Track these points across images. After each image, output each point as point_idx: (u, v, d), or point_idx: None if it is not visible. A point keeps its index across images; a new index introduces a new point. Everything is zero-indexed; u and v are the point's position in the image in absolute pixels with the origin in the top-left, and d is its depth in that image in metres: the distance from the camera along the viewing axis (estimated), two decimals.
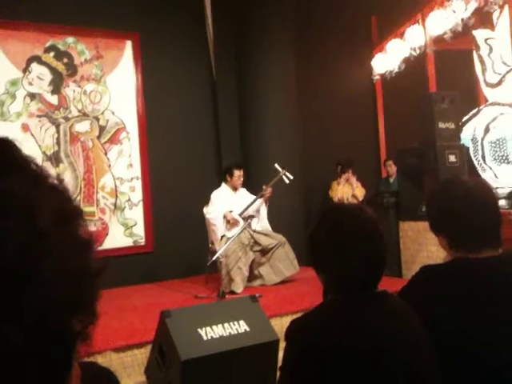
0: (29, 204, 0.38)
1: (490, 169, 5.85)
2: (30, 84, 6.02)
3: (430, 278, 1.55)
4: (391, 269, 5.44)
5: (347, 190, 7.35)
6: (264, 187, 5.54)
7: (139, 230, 6.48)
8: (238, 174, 5.57)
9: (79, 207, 0.44)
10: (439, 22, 6.59)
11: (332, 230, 1.41)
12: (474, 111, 6.30)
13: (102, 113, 6.40)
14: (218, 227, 5.35)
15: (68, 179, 6.04)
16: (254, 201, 5.53)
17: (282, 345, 3.13)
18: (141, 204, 6.51)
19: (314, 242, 1.46)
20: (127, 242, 6.36)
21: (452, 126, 5.66)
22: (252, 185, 5.82)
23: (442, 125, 5.61)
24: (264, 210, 5.63)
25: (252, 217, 5.46)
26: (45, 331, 0.37)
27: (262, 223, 5.63)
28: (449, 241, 1.55)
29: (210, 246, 5.55)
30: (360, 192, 7.22)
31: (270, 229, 5.66)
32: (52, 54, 6.15)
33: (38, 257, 0.37)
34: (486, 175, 5.81)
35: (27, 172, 0.41)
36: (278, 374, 1.40)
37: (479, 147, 5.93)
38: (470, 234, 1.51)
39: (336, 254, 1.37)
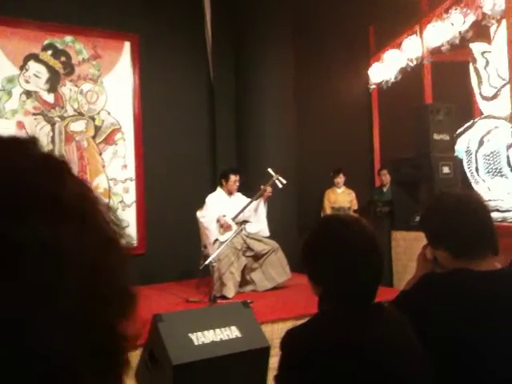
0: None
1: (483, 181, 5.89)
2: (27, 82, 5.99)
3: (431, 287, 1.56)
4: (382, 278, 5.45)
5: (345, 197, 7.43)
6: (262, 187, 5.54)
7: (132, 232, 6.46)
8: (234, 178, 5.57)
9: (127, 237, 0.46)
10: (437, 34, 6.65)
11: (330, 241, 1.41)
12: (469, 123, 6.35)
13: (98, 113, 6.38)
14: (212, 231, 5.34)
15: None
16: (251, 202, 5.53)
17: (273, 351, 3.13)
18: (134, 205, 6.50)
19: (310, 252, 1.46)
20: None
21: (447, 137, 5.69)
22: (247, 190, 5.81)
23: (436, 136, 5.64)
24: (263, 211, 5.62)
25: (246, 222, 5.45)
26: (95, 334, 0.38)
27: (260, 225, 5.60)
28: (449, 252, 1.57)
29: (203, 249, 5.55)
30: (354, 205, 7.39)
31: (268, 231, 5.65)
32: (50, 52, 6.13)
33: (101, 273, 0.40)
34: (479, 187, 5.84)
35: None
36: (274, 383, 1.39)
37: (473, 159, 5.97)
38: (469, 241, 1.54)
39: (333, 266, 1.37)
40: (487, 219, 1.60)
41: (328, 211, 7.41)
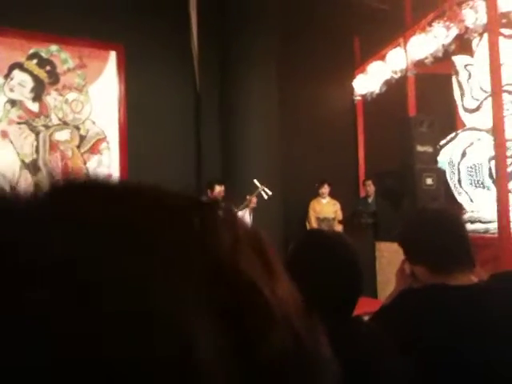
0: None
1: (466, 193, 5.94)
2: (11, 90, 5.96)
3: (406, 303, 1.58)
4: (366, 289, 5.47)
5: (330, 208, 7.45)
6: (248, 197, 5.55)
7: None
8: (219, 189, 5.58)
9: None
10: (421, 47, 6.72)
11: (311, 253, 1.42)
12: (452, 135, 6.41)
13: (83, 122, 6.36)
14: None
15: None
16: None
17: None
18: None
19: (291, 264, 1.46)
20: None
21: (430, 149, 5.74)
22: (232, 201, 5.81)
23: (420, 148, 5.69)
24: (248, 222, 5.62)
25: None
26: None
27: None
28: (426, 267, 1.58)
29: None
30: (339, 216, 7.39)
31: None
32: (35, 61, 6.11)
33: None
34: (462, 199, 5.90)
35: None
36: None
37: (456, 171, 6.03)
38: (446, 256, 1.56)
39: (313, 278, 1.38)
40: (464, 234, 1.62)
41: (313, 221, 7.43)
